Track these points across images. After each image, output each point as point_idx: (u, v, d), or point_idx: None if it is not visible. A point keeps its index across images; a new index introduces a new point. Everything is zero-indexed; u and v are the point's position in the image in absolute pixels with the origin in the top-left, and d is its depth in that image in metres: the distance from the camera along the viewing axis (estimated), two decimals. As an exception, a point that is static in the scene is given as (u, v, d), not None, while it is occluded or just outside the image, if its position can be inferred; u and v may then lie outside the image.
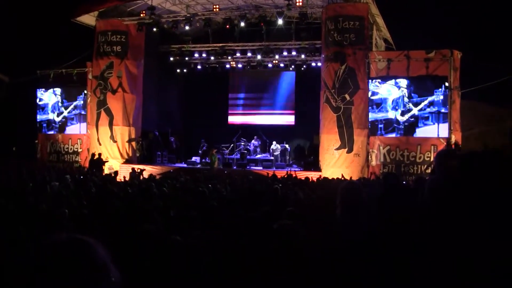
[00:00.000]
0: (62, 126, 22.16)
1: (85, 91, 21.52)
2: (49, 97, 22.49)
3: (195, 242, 3.65)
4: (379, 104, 17.86)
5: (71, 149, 21.84)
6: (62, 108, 22.19)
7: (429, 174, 13.35)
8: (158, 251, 3.63)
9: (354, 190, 3.57)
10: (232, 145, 21.87)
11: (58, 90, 22.24)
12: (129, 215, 5.86)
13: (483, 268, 1.93)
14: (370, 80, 17.79)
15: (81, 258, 1.45)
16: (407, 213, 3.28)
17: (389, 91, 17.73)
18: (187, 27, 20.07)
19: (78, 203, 7.21)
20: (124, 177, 15.02)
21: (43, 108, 22.57)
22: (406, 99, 17.55)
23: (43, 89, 22.56)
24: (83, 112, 21.73)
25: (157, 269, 3.40)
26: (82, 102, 21.80)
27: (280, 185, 10.47)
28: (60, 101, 22.22)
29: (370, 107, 17.76)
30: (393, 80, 17.70)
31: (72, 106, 22.04)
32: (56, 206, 6.28)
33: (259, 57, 22.06)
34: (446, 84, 17.11)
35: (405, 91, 17.54)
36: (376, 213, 3.42)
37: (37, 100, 22.64)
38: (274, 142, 21.67)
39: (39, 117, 22.65)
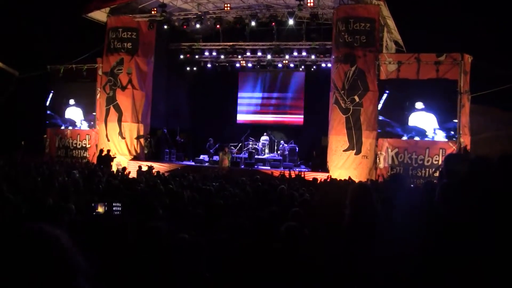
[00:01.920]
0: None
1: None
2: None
3: (200, 240, 3.65)
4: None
5: (79, 144, 21.92)
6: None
7: (437, 177, 13.27)
8: (165, 248, 3.63)
9: (364, 191, 3.56)
10: (240, 144, 21.87)
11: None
12: (136, 211, 5.86)
13: (494, 273, 1.91)
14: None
15: (40, 248, 1.45)
16: (416, 214, 3.26)
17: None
18: (197, 25, 20.07)
19: (85, 198, 7.23)
20: (130, 172, 15.05)
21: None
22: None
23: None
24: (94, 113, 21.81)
25: (162, 265, 3.40)
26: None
27: (287, 185, 10.46)
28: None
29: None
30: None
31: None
32: (63, 201, 6.29)
33: (269, 56, 22.07)
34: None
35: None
36: (384, 214, 3.40)
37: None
38: (282, 142, 21.68)
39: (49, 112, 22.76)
